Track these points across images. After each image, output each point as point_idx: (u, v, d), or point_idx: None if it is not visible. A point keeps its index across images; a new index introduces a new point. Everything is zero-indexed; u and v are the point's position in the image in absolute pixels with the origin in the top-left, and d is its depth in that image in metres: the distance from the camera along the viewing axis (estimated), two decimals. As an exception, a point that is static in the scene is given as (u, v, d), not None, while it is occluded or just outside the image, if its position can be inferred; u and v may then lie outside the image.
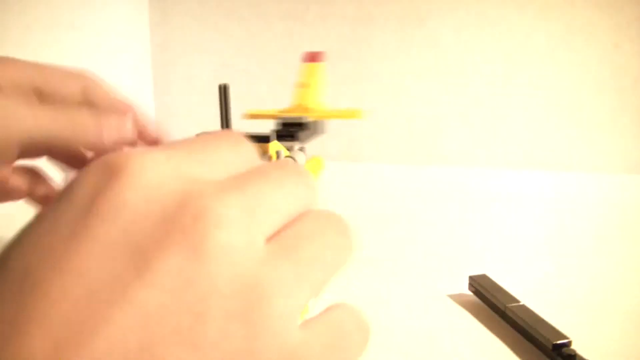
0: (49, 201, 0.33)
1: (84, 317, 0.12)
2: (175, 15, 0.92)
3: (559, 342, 0.29)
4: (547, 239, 0.49)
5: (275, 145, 0.37)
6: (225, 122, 0.33)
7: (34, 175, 0.33)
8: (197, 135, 0.18)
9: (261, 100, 0.87)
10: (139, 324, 0.12)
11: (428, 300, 0.37)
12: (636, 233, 0.51)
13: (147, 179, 0.14)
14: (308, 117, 0.56)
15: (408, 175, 0.74)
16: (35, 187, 0.33)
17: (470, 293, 0.37)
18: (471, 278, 0.37)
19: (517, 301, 0.34)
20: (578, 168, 0.80)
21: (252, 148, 0.18)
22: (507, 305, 0.33)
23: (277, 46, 0.88)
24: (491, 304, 0.35)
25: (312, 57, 0.66)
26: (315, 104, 0.61)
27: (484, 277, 0.37)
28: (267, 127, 0.51)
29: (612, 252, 0.46)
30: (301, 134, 0.53)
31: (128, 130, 0.31)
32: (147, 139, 0.33)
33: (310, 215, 0.17)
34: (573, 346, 0.29)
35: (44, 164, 0.33)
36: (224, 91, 0.30)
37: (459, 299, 0.37)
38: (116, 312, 0.12)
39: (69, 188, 0.14)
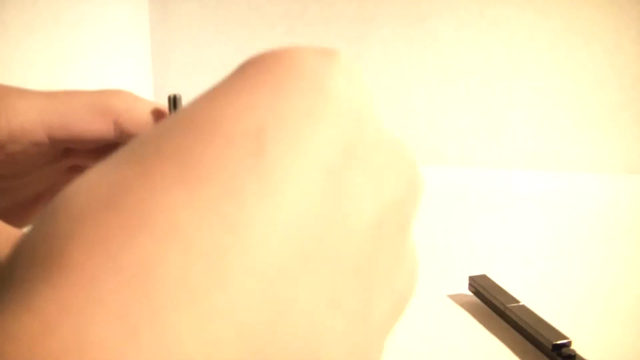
0: None
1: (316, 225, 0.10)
2: (175, 15, 0.92)
3: (559, 342, 0.29)
4: (547, 239, 0.49)
5: None
6: None
7: None
8: None
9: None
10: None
11: (428, 301, 0.37)
12: (636, 233, 0.51)
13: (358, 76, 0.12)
14: None
15: (408, 175, 0.74)
16: None
17: (470, 293, 0.37)
18: (471, 278, 0.37)
19: (517, 301, 0.34)
20: (578, 168, 0.80)
21: None
22: (507, 305, 0.33)
23: (277, 46, 0.88)
24: (491, 304, 0.35)
25: None
26: None
27: (484, 277, 0.37)
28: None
29: (612, 252, 0.46)
30: None
31: None
32: None
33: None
34: (573, 346, 0.29)
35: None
36: (173, 103, 0.28)
37: (459, 299, 0.37)
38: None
39: (286, 63, 0.12)
